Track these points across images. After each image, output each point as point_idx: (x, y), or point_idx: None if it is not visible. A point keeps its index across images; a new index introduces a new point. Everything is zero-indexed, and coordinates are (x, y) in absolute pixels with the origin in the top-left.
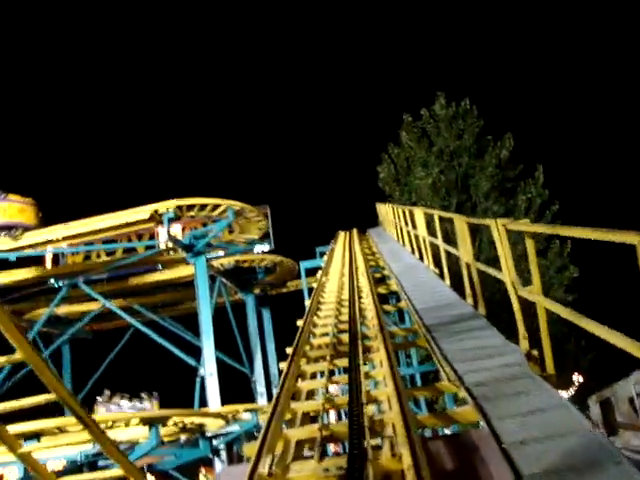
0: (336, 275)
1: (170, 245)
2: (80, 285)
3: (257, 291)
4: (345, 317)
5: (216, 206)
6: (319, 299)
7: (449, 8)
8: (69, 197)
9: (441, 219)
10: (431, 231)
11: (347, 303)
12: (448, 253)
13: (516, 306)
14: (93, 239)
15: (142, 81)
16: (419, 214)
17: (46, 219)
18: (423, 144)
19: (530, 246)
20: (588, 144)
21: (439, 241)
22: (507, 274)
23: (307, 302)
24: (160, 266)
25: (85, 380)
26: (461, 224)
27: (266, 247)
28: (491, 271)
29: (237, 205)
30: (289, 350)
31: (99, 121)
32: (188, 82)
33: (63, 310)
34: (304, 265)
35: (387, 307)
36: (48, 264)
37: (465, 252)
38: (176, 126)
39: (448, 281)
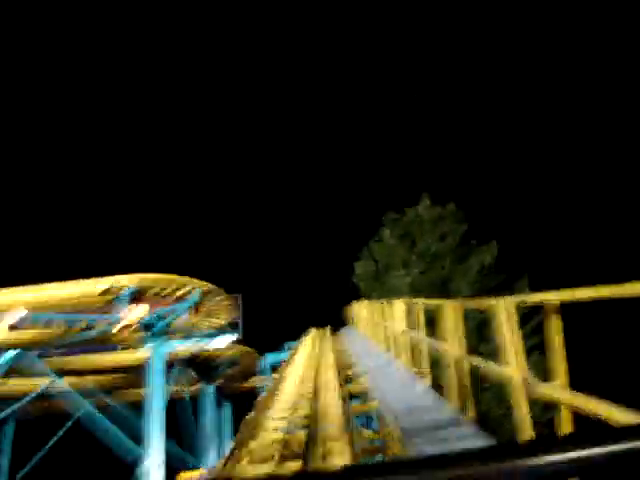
0: (300, 368)
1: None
2: (30, 358)
3: (218, 382)
4: (305, 412)
5: (182, 285)
6: (276, 391)
7: (442, 109)
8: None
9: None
10: (411, 325)
11: (309, 396)
12: (428, 349)
13: (524, 410)
14: (45, 308)
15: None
16: (398, 306)
17: None
18: (405, 243)
19: (556, 327)
20: (574, 258)
21: (421, 334)
22: (516, 367)
23: (262, 394)
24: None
25: (26, 462)
26: (452, 312)
27: (234, 337)
28: (492, 366)
29: (205, 286)
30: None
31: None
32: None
33: (9, 384)
34: (269, 358)
35: (355, 406)
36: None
37: (454, 344)
38: (150, 203)
39: (428, 381)
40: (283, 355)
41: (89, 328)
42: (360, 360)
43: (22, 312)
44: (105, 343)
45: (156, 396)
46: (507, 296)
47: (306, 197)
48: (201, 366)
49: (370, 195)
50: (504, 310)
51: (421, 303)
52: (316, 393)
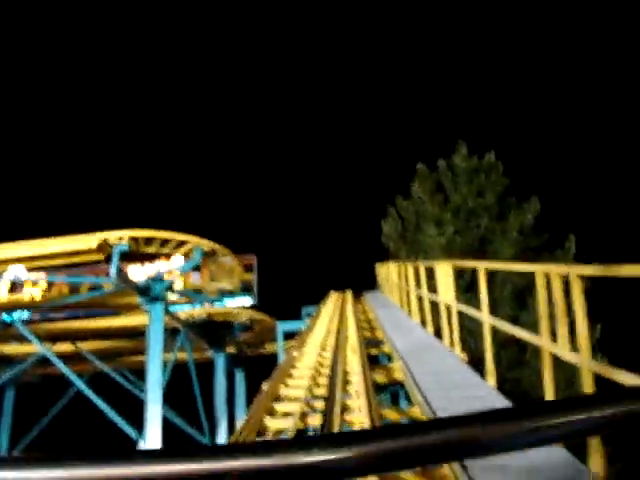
0: (316, 348)
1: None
2: (15, 322)
3: (230, 350)
4: (317, 421)
5: (181, 243)
6: (282, 382)
7: (482, 47)
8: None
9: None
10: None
11: (323, 402)
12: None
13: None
14: (32, 266)
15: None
16: (443, 269)
17: None
18: (437, 199)
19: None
20: (623, 217)
21: (483, 313)
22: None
23: (264, 386)
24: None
25: (28, 428)
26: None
27: (248, 301)
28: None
29: (207, 245)
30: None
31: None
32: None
33: (8, 349)
34: (282, 327)
35: (388, 413)
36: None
37: (542, 327)
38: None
39: (492, 379)
40: (299, 324)
41: (92, 288)
42: (390, 336)
43: (21, 271)
44: (103, 307)
45: (153, 364)
46: None
47: (328, 146)
48: (210, 332)
49: (399, 144)
50: None
51: (483, 268)
52: (333, 392)
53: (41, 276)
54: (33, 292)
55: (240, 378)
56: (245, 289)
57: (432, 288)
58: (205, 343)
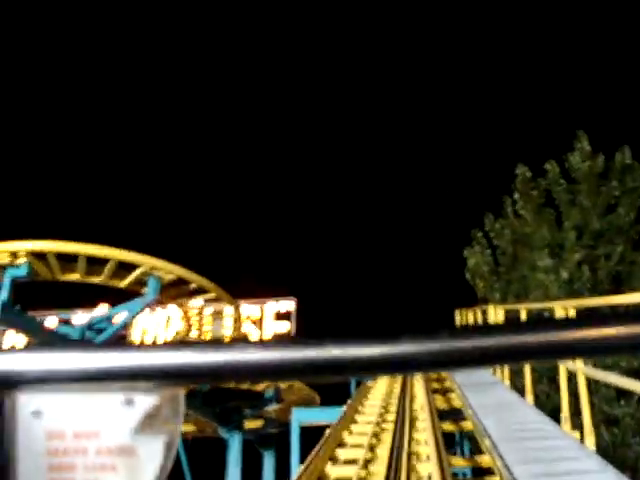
0: None
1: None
2: None
3: (251, 426)
4: None
5: (126, 266)
6: None
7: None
8: None
9: None
10: None
11: None
12: None
13: None
14: None
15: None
16: None
17: None
18: (546, 217)
19: None
20: None
21: None
22: None
23: None
24: None
25: None
26: None
27: None
28: None
29: (169, 271)
30: None
31: None
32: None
33: None
34: (298, 416)
35: None
36: None
37: None
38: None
39: None
40: (327, 415)
41: None
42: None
43: None
44: None
45: None
46: None
47: (391, 145)
48: (217, 405)
49: (487, 138)
50: None
51: None
52: None
53: None
54: None
55: (269, 463)
56: None
57: None
58: (210, 419)
